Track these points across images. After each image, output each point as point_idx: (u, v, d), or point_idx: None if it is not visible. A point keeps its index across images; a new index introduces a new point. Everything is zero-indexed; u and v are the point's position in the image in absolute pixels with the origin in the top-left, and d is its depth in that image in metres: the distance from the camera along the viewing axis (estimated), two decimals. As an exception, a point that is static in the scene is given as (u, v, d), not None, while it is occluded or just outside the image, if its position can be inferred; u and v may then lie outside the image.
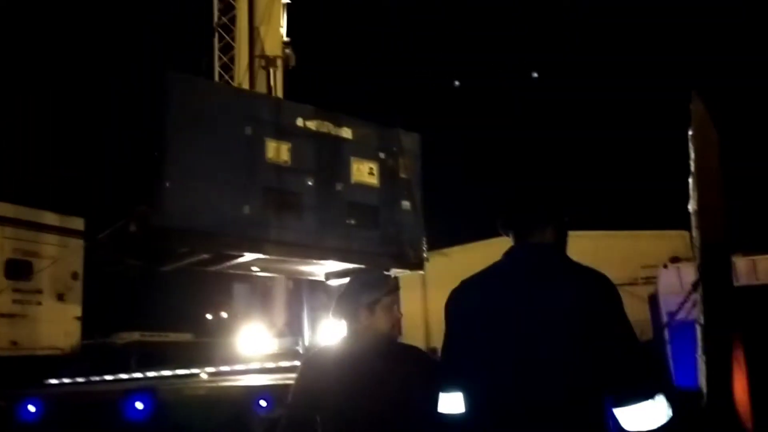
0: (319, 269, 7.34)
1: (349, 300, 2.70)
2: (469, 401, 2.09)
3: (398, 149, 7.31)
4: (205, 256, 6.18)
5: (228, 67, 9.70)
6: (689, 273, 6.06)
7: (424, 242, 7.42)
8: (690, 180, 4.74)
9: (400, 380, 2.58)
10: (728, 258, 4.91)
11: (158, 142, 5.61)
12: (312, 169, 6.57)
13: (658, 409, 1.82)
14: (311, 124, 6.65)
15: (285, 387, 4.13)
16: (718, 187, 4.61)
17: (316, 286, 8.76)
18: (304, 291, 8.99)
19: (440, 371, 2.22)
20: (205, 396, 5.27)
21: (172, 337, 20.95)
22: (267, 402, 4.55)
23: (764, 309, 6.07)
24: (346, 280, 2.96)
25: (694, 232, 4.83)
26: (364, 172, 7.01)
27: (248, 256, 6.25)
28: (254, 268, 7.14)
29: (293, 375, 2.71)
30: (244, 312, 9.63)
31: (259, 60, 9.05)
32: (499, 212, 2.19)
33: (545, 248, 2.09)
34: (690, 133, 4.66)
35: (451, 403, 2.14)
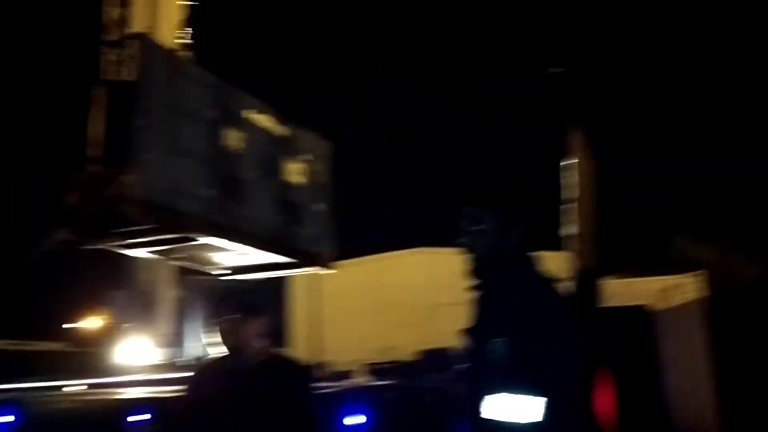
0: (230, 261, 7.32)
1: (226, 313, 2.64)
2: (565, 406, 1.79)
3: (317, 154, 7.58)
4: (160, 236, 6.03)
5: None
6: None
7: (333, 245, 7.75)
8: (561, 207, 5.04)
9: (279, 399, 2.57)
10: (596, 281, 5.27)
11: (138, 111, 5.44)
12: (257, 161, 6.72)
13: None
14: (259, 118, 6.79)
15: (161, 400, 3.93)
16: (593, 215, 4.93)
17: (203, 295, 8.49)
18: (189, 301, 8.67)
19: (512, 370, 1.81)
20: (72, 409, 4.94)
21: (42, 346, 19.48)
22: (141, 416, 4.31)
23: (633, 327, 6.57)
24: (250, 276, 2.95)
25: (569, 256, 5.14)
26: (294, 171, 7.25)
27: (205, 240, 6.21)
28: (178, 255, 7.06)
29: (171, 388, 2.60)
30: (124, 321, 9.12)
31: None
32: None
33: None
34: (566, 163, 4.96)
35: (525, 408, 1.78)
